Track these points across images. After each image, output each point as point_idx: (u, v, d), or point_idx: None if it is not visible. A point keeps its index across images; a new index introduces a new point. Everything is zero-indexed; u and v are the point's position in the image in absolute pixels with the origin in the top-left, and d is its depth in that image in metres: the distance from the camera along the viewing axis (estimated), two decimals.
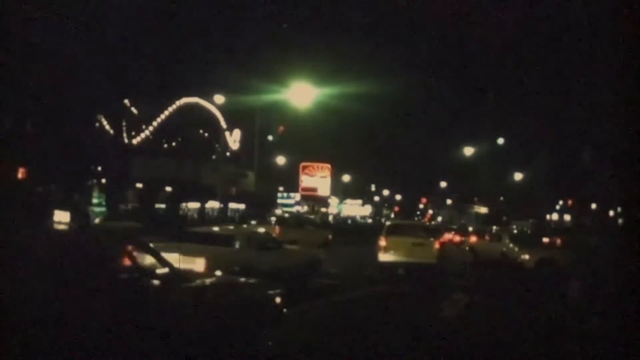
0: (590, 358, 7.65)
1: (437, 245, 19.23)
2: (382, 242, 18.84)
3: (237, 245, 11.91)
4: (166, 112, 47.62)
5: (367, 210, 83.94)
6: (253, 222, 31.25)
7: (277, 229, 24.09)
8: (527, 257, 19.58)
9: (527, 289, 14.44)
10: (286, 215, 40.27)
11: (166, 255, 10.21)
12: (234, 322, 6.09)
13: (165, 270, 5.61)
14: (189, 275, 6.11)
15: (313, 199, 59.32)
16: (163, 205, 49.02)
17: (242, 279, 6.99)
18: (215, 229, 14.49)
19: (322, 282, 13.94)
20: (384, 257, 18.24)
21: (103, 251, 5.50)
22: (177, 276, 5.68)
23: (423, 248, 18.64)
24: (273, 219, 35.46)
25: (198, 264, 9.91)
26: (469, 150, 52.18)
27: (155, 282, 5.45)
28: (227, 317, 6.03)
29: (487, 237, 27.10)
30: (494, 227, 44.26)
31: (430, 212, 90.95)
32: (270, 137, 50.34)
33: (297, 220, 31.12)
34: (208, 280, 6.42)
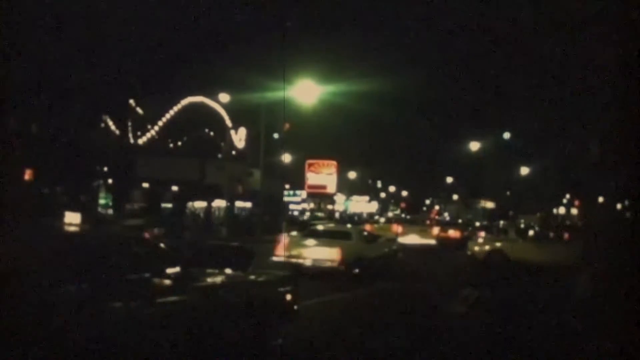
0: (597, 354, 7.60)
1: (435, 232, 30.07)
2: (399, 229, 29.33)
3: (353, 239, 15.72)
4: (171, 112, 47.62)
5: (374, 206, 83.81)
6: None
7: (395, 227, 31.01)
8: (477, 248, 21.28)
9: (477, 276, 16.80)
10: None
11: (309, 247, 14.75)
12: (245, 320, 6.10)
13: (176, 269, 5.60)
14: (199, 274, 6.10)
15: (319, 196, 59.27)
16: (169, 205, 49.13)
17: (253, 277, 6.99)
18: (337, 227, 19.98)
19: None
20: (401, 239, 25.45)
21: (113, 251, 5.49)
22: (188, 275, 5.67)
23: (425, 233, 29.25)
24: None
25: (334, 253, 14.14)
26: (475, 145, 51.96)
27: (166, 281, 5.44)
28: (239, 315, 6.03)
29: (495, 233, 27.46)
30: (501, 222, 44.06)
31: (437, 207, 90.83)
32: (275, 135, 50.29)
33: (409, 220, 39.18)
34: (219, 279, 6.39)
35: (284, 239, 16.01)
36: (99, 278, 4.83)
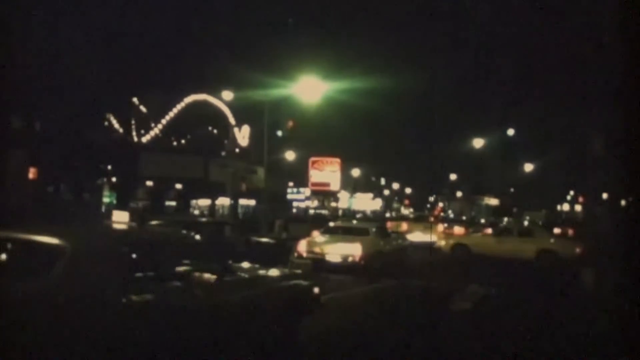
0: (603, 351, 7.58)
1: (440, 229, 29.44)
2: (405, 226, 29.81)
3: (371, 234, 16.87)
4: (175, 110, 47.70)
5: (378, 204, 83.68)
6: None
7: (404, 225, 31.27)
8: (443, 242, 22.53)
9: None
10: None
11: (331, 243, 15.84)
12: (275, 311, 6.38)
13: (211, 265, 5.76)
14: (231, 268, 6.31)
15: (323, 194, 59.21)
16: (173, 203, 49.21)
17: (282, 271, 7.31)
18: (357, 223, 21.05)
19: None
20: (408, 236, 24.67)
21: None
22: (222, 270, 5.81)
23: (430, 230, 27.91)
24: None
25: (356, 247, 15.28)
26: (478, 142, 51.84)
27: (204, 275, 5.61)
28: (269, 307, 6.29)
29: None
30: (505, 219, 43.99)
31: (441, 204, 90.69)
32: (279, 133, 50.32)
33: (417, 218, 39.04)
34: (249, 274, 6.53)
35: (313, 235, 17.26)
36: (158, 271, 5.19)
